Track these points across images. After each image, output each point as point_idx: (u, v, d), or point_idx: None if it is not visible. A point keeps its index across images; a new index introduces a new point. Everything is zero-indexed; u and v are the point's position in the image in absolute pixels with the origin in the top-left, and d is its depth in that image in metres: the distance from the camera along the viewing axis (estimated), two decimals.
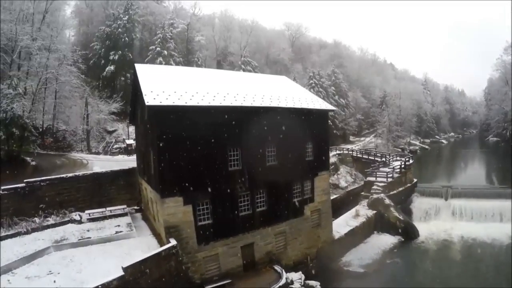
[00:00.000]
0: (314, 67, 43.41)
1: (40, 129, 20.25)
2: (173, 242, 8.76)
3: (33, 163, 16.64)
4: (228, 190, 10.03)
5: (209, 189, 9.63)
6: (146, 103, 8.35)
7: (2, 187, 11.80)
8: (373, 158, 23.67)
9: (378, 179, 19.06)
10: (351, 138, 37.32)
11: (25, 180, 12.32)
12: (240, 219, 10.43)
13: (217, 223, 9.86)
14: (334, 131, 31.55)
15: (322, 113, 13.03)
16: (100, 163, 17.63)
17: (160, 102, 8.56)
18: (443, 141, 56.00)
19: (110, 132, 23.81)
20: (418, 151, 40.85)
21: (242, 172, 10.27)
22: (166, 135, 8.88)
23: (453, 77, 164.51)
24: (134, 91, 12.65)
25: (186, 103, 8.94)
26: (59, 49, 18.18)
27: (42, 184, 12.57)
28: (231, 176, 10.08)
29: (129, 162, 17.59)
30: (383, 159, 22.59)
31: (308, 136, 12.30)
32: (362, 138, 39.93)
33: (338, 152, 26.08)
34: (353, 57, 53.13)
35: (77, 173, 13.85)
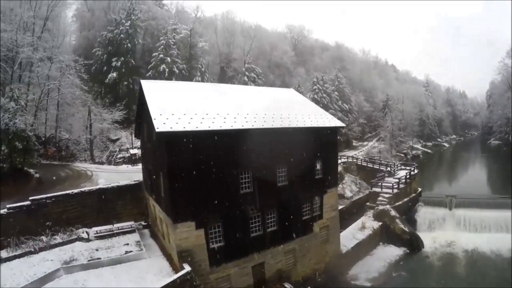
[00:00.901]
0: (316, 70, 43.22)
1: (43, 138, 20.05)
2: (187, 268, 8.70)
3: (37, 175, 16.48)
4: (240, 213, 9.96)
5: (221, 212, 9.56)
6: (156, 129, 8.18)
7: (7, 206, 11.67)
8: (378, 167, 23.60)
9: (384, 190, 19.10)
10: (354, 143, 37.27)
11: (30, 198, 12.16)
12: (251, 240, 10.39)
13: (229, 245, 9.81)
14: (338, 137, 31.38)
15: (332, 130, 12.90)
16: (105, 175, 17.47)
17: (171, 128, 8.40)
18: (445, 144, 56.00)
19: (114, 141, 23.60)
20: (421, 155, 40.85)
21: (253, 194, 10.20)
22: (177, 161, 8.76)
23: (453, 77, 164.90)
24: (140, 105, 12.45)
25: (197, 127, 8.79)
26: (61, 60, 17.85)
27: (47, 201, 12.39)
28: (243, 199, 10.01)
29: (134, 173, 17.48)
30: (388, 168, 22.53)
31: (318, 154, 12.24)
32: (365, 143, 39.86)
33: (342, 160, 26.02)
34: (355, 60, 52.90)
35: (83, 189, 13.66)
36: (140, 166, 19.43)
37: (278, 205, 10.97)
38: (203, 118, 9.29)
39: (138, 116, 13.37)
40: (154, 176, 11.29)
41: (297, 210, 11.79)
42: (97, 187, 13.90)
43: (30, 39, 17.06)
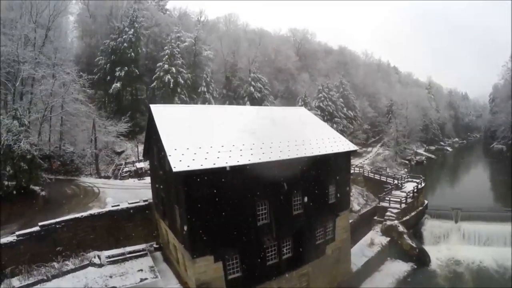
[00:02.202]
0: (320, 75, 42.90)
1: (47, 152, 19.77)
2: None
3: (43, 193, 16.25)
4: (257, 243, 9.91)
5: (239, 245, 9.51)
6: (173, 168, 8.03)
7: (17, 233, 11.52)
8: (385, 179, 23.58)
9: (392, 204, 19.12)
10: (359, 150, 37.14)
11: (39, 224, 12.00)
12: (267, 268, 10.37)
13: (246, 275, 9.79)
14: None
15: (345, 153, 12.77)
16: (112, 192, 17.29)
17: (188, 167, 8.24)
18: (448, 148, 55.97)
19: (119, 153, 23.35)
20: (425, 161, 40.83)
21: (270, 224, 10.14)
22: (194, 197, 8.63)
23: (455, 77, 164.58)
24: (150, 128, 12.27)
25: (214, 164, 8.63)
26: (64, 77, 17.47)
27: (57, 226, 12.24)
28: (260, 230, 9.95)
29: (142, 189, 17.32)
30: (395, 181, 22.50)
31: (332, 178, 12.20)
32: (369, 149, 39.77)
33: None
34: (358, 64, 52.50)
35: (92, 212, 13.50)
36: (146, 180, 19.37)
37: (294, 233, 10.95)
38: (219, 152, 9.11)
39: (147, 138, 13.16)
40: (167, 205, 11.15)
41: (311, 235, 11.79)
42: (107, 209, 13.74)
43: (31, 54, 16.61)
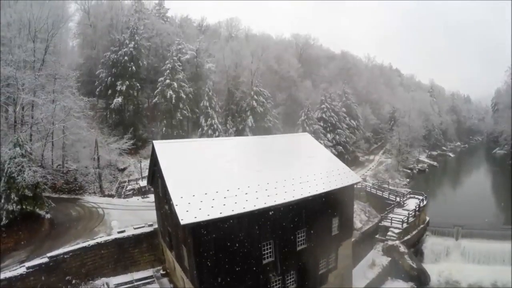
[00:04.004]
0: (323, 81, 42.43)
1: (50, 170, 19.88)
2: None
3: (48, 215, 16.41)
4: (263, 280, 10.10)
5: (246, 282, 9.69)
6: (181, 221, 8.11)
7: (27, 265, 11.73)
8: (387, 195, 23.63)
9: (393, 224, 19.23)
10: (361, 158, 37.19)
11: (48, 255, 12.22)
12: None
13: None
14: (346, 156, 31.36)
15: (349, 186, 12.80)
16: (117, 214, 17.42)
17: (195, 218, 8.33)
18: (450, 154, 55.78)
19: (122, 170, 23.46)
20: (427, 169, 40.80)
21: (275, 262, 10.30)
22: (202, 244, 8.76)
23: (457, 78, 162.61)
24: (153, 160, 12.36)
25: (220, 213, 8.72)
26: (65, 102, 17.35)
27: (65, 256, 12.50)
28: (265, 267, 10.13)
29: (146, 211, 17.46)
30: (397, 198, 22.55)
31: (335, 211, 12.28)
32: (371, 157, 39.74)
33: None
34: (361, 69, 51.81)
35: (98, 240, 13.69)
36: (150, 198, 19.49)
37: (298, 266, 11.13)
38: (224, 198, 9.17)
39: (151, 167, 13.21)
40: (174, 240, 11.31)
41: (314, 267, 11.98)
42: (113, 237, 13.94)
43: (30, 79, 16.39)
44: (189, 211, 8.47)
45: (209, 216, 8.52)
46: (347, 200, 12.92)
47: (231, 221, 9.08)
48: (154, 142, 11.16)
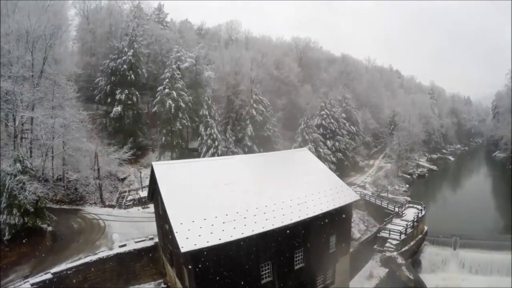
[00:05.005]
0: (323, 85, 42.29)
1: (51, 181, 20.01)
2: None
3: (50, 228, 16.57)
4: None
5: None
6: (181, 249, 8.22)
7: (31, 281, 11.90)
8: (386, 205, 23.73)
9: (391, 235, 19.35)
10: (361, 163, 37.21)
11: (52, 272, 12.39)
12: None
13: None
14: (345, 163, 31.40)
15: (347, 204, 12.89)
16: (118, 226, 17.57)
17: (195, 245, 8.45)
18: (450, 157, 55.72)
19: (122, 180, 23.58)
20: (426, 174, 40.84)
21: (273, 282, 10.44)
22: (201, 268, 8.88)
23: (457, 80, 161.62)
24: (152, 178, 12.43)
25: (219, 239, 8.82)
26: (64, 118, 17.36)
27: (68, 272, 12.69)
28: (263, 287, 10.26)
29: (147, 222, 17.60)
30: (396, 209, 22.65)
31: (333, 229, 12.40)
32: (371, 162, 39.78)
33: None
34: (361, 72, 51.58)
35: (100, 256, 13.84)
36: (150, 208, 19.60)
37: (296, 285, 11.27)
38: (223, 223, 9.27)
39: (151, 184, 13.29)
40: (174, 257, 11.47)
41: (312, 284, 12.12)
42: (115, 251, 14.09)
43: (30, 94, 16.37)
44: (189, 238, 8.58)
45: (209, 243, 8.63)
46: (345, 217, 13.02)
47: (230, 245, 9.19)
48: (154, 164, 11.26)
